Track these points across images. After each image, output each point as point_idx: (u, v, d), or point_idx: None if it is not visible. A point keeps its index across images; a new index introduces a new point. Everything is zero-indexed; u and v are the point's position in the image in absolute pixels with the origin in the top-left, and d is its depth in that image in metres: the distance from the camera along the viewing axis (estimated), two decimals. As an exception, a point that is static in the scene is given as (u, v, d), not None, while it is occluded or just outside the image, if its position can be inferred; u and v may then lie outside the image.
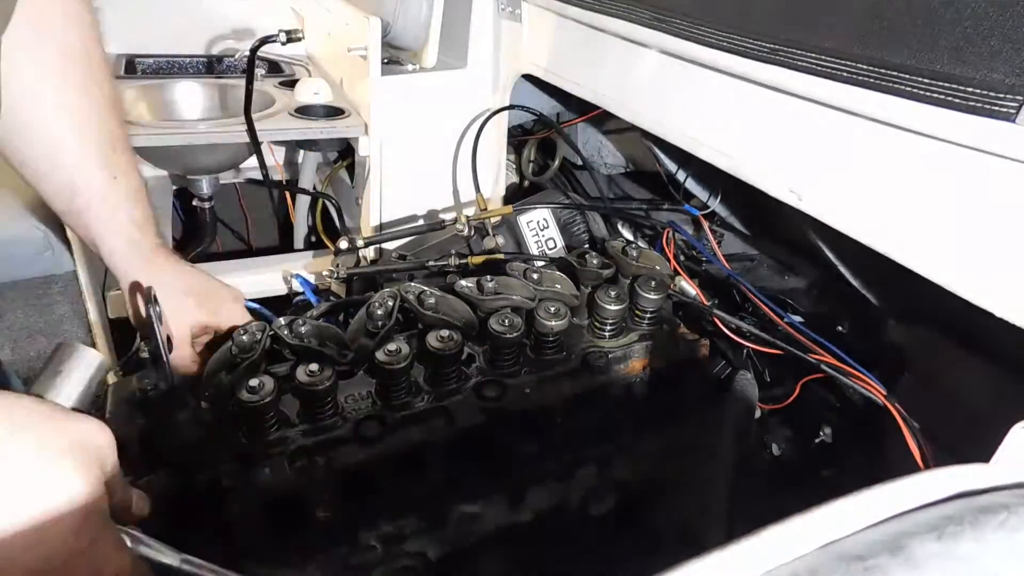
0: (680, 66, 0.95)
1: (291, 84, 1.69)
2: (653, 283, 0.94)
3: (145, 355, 0.87)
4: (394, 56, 1.55)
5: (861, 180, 0.75)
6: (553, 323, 0.88)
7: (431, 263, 1.17)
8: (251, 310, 0.96)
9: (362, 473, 0.79)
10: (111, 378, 0.85)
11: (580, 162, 1.50)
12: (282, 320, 0.85)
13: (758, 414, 1.02)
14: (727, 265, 1.14)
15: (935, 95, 0.61)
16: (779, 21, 0.76)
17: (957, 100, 0.60)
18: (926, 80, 0.62)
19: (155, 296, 0.76)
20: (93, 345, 1.41)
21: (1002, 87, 0.56)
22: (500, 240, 1.28)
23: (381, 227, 1.52)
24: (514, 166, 1.71)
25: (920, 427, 0.80)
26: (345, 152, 1.79)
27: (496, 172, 1.59)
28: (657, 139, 1.10)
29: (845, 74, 0.69)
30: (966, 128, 0.60)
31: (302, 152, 1.86)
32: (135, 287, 0.82)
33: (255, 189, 2.09)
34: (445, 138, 1.55)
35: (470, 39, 1.48)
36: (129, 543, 0.50)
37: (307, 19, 1.88)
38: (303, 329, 0.83)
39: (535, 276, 0.95)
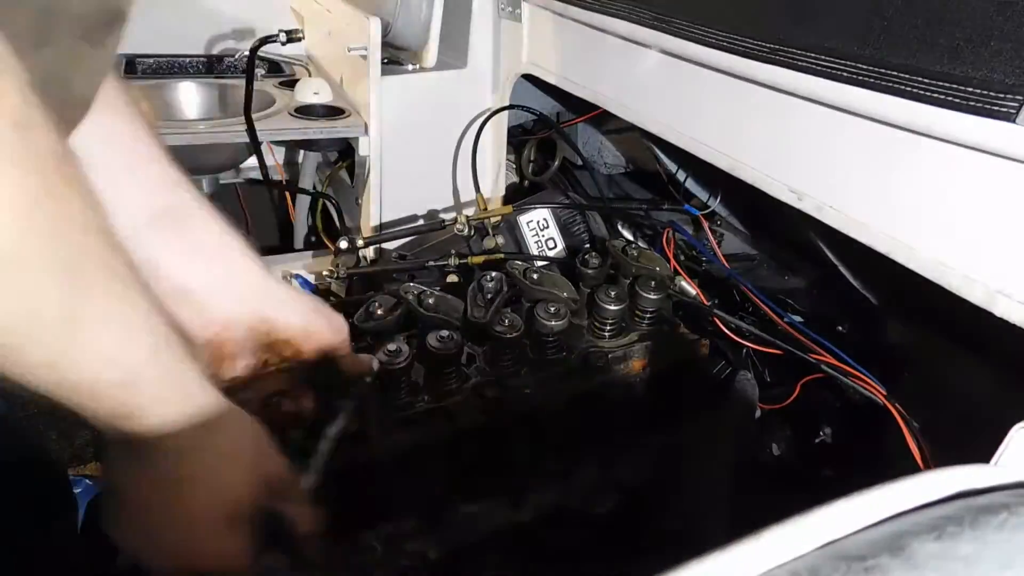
0: (680, 66, 0.95)
1: (291, 84, 1.69)
2: (653, 283, 0.94)
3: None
4: (394, 56, 1.54)
5: (861, 180, 0.75)
6: (553, 323, 0.88)
7: (431, 263, 1.17)
8: None
9: (362, 473, 0.79)
10: None
11: (580, 162, 1.50)
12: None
13: (758, 414, 1.02)
14: (727, 265, 1.14)
15: (935, 95, 0.61)
16: (779, 21, 0.76)
17: (957, 100, 0.60)
18: (926, 80, 0.61)
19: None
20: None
21: (1002, 87, 0.56)
22: (500, 240, 1.28)
23: (381, 227, 1.52)
24: (514, 166, 1.71)
25: (920, 427, 0.80)
26: (345, 152, 1.79)
27: (496, 172, 1.59)
28: (657, 139, 1.10)
29: (845, 74, 0.69)
30: (966, 128, 0.60)
31: (302, 152, 1.86)
32: None
33: (255, 189, 2.09)
34: (445, 138, 1.55)
35: (470, 39, 1.48)
36: None
37: (307, 19, 1.88)
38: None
39: (534, 276, 0.95)
